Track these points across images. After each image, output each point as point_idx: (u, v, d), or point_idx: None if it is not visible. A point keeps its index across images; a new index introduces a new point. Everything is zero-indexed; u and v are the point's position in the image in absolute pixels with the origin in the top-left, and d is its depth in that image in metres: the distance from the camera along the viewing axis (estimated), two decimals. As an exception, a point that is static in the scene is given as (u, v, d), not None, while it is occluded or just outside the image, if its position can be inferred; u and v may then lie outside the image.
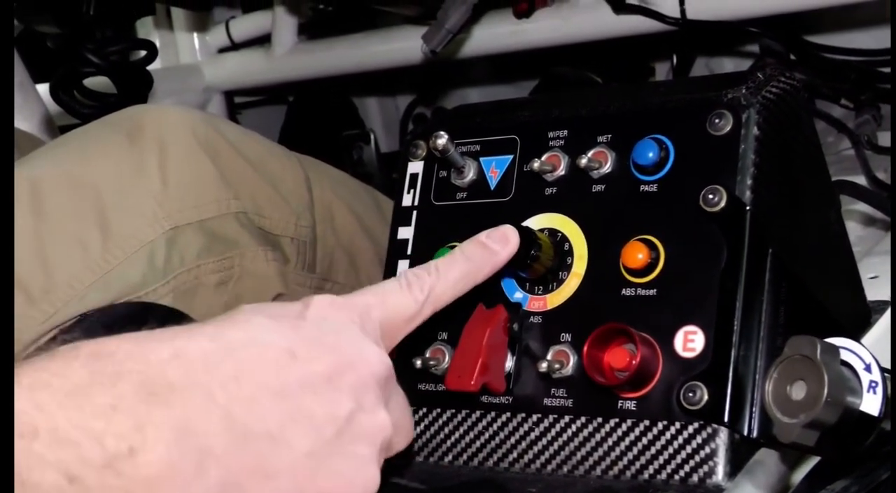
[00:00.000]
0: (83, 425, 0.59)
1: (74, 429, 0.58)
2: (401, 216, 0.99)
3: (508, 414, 0.88)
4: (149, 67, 1.54)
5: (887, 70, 1.56)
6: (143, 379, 0.61)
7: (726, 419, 0.79)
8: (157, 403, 0.61)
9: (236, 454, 0.63)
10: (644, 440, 0.82)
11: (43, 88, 1.59)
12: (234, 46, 1.99)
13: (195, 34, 1.98)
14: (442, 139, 0.92)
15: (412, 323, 0.79)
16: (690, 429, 0.80)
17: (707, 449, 0.80)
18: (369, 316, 0.75)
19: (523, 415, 0.87)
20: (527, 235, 0.87)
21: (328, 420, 0.68)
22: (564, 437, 0.85)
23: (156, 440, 0.60)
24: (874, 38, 1.61)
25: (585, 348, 0.82)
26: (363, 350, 0.72)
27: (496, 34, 1.68)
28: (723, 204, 0.82)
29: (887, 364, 0.81)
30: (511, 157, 0.95)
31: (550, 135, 0.93)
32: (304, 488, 0.67)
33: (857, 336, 0.84)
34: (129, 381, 0.61)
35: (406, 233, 0.98)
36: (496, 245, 0.84)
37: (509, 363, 0.88)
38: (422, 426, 0.92)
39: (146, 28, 1.94)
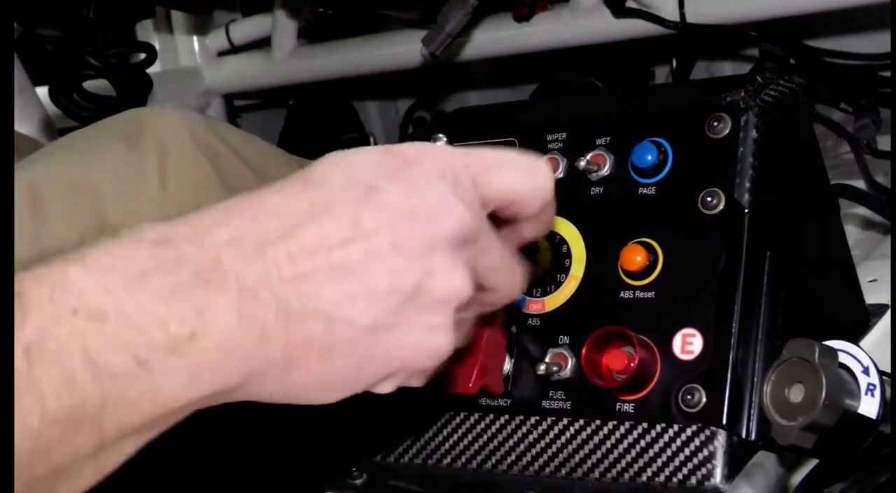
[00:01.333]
0: (148, 309, 0.59)
1: (140, 313, 0.59)
2: (400, 219, 0.99)
3: (507, 417, 0.88)
4: (148, 70, 1.54)
5: (887, 74, 1.56)
6: (200, 265, 0.61)
7: (724, 421, 0.79)
8: (213, 288, 0.61)
9: (291, 335, 0.63)
10: (642, 443, 0.82)
11: (42, 91, 1.59)
12: (234, 49, 1.98)
13: (195, 37, 1.98)
14: (440, 142, 0.92)
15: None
16: (689, 431, 0.80)
17: (705, 452, 0.80)
18: (467, 166, 0.70)
19: (522, 417, 0.87)
20: (525, 238, 0.87)
21: (391, 291, 0.65)
22: (563, 439, 0.85)
23: (214, 325, 0.60)
24: (874, 43, 1.61)
25: (584, 351, 0.82)
26: (440, 208, 0.67)
27: (496, 38, 1.68)
28: (721, 207, 0.82)
29: (886, 367, 0.81)
30: (510, 159, 0.94)
31: (549, 138, 0.93)
32: (365, 360, 0.66)
33: (855, 339, 0.83)
34: (187, 267, 0.61)
35: (405, 236, 0.98)
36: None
37: (507, 366, 0.88)
38: (419, 428, 0.92)
39: (146, 31, 1.94)
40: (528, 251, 0.87)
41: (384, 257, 0.65)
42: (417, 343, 0.67)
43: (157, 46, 1.58)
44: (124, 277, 0.60)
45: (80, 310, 0.58)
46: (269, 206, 0.65)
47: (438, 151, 0.70)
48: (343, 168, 0.67)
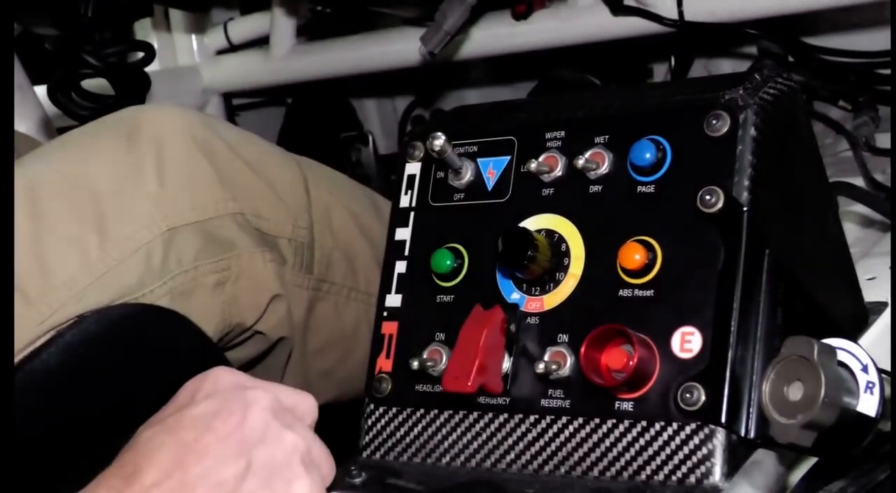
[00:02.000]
0: None
1: None
2: (398, 217, 0.99)
3: (506, 415, 0.88)
4: (147, 69, 1.54)
5: (886, 72, 1.56)
6: None
7: (723, 419, 0.79)
8: None
9: None
10: (641, 441, 0.82)
11: (41, 90, 1.59)
12: (233, 48, 1.98)
13: (193, 36, 1.98)
14: (439, 140, 0.92)
15: None
16: (688, 430, 0.80)
17: (704, 450, 0.80)
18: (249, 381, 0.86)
19: (520, 416, 0.87)
20: (524, 236, 0.87)
21: (240, 475, 0.79)
22: (562, 438, 0.85)
23: None
24: (872, 40, 1.61)
25: (583, 349, 0.82)
26: (244, 393, 0.82)
27: (494, 36, 1.68)
28: (720, 205, 0.82)
29: (885, 365, 0.81)
30: (508, 158, 0.95)
31: (548, 136, 0.93)
32: None
33: (854, 337, 0.83)
34: None
35: (404, 234, 0.98)
36: None
37: (506, 364, 0.88)
38: (419, 427, 0.92)
39: (144, 30, 1.94)
40: (527, 250, 0.87)
41: (216, 454, 0.80)
42: None
43: (155, 45, 1.58)
44: None
45: None
46: (108, 473, 0.80)
47: (208, 373, 0.86)
48: (147, 425, 0.83)
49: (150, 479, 0.77)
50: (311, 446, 0.84)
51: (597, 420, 0.84)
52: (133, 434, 0.81)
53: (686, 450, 0.80)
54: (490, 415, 0.89)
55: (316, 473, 0.84)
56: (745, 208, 0.83)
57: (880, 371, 0.78)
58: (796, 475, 0.82)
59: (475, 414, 0.89)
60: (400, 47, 1.76)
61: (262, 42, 1.94)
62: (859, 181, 1.35)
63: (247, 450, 0.80)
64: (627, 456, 0.82)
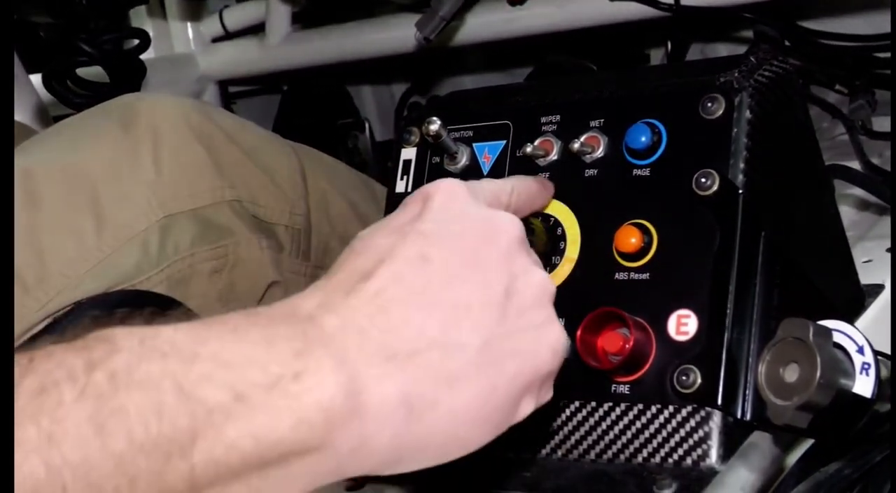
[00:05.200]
0: (244, 352, 0.59)
1: (236, 356, 0.58)
2: (394, 203, 0.99)
3: (503, 399, 0.88)
4: (142, 57, 1.54)
5: (882, 55, 1.56)
6: (295, 323, 0.61)
7: (720, 401, 0.79)
8: (313, 340, 0.61)
9: (410, 373, 0.62)
10: (638, 424, 0.82)
11: (36, 78, 1.59)
12: (228, 35, 1.98)
13: (189, 23, 1.98)
14: (434, 125, 0.92)
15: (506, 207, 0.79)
16: (684, 412, 0.81)
17: (701, 432, 0.80)
18: (481, 189, 0.74)
19: (517, 400, 0.87)
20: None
21: (488, 305, 0.66)
22: (558, 421, 0.85)
23: (319, 367, 0.59)
24: (869, 24, 1.61)
25: (579, 333, 0.82)
26: (491, 220, 0.70)
27: (490, 22, 1.68)
28: (715, 188, 0.82)
29: (880, 347, 0.81)
30: (504, 142, 0.94)
31: (543, 120, 0.93)
32: (496, 377, 0.65)
33: (850, 319, 0.83)
34: (283, 324, 0.61)
35: (400, 219, 0.98)
36: (541, 179, 0.88)
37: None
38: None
39: (139, 17, 1.94)
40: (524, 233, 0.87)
41: (465, 278, 0.66)
42: (535, 343, 0.68)
43: (150, 33, 1.58)
44: (218, 330, 0.60)
45: (170, 353, 0.57)
46: (339, 276, 0.66)
47: (440, 183, 0.72)
48: (381, 231, 0.69)
49: (393, 291, 0.64)
50: (554, 289, 0.72)
51: (593, 403, 0.84)
52: None
53: (682, 432, 0.80)
54: (487, 399, 0.89)
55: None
56: (740, 191, 0.83)
57: (876, 353, 0.78)
58: (793, 457, 0.82)
59: (472, 398, 0.89)
60: (396, 34, 1.75)
61: (257, 29, 1.94)
62: (856, 165, 1.35)
63: (495, 281, 0.67)
64: (624, 439, 0.82)
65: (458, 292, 0.66)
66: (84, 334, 0.58)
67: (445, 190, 0.71)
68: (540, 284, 0.70)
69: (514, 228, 0.71)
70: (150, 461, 0.55)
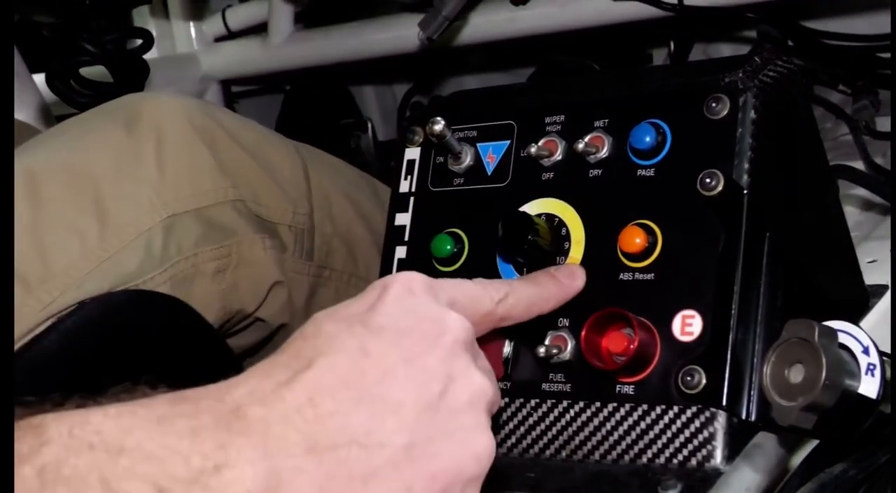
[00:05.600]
0: (168, 445, 0.59)
1: (160, 448, 0.59)
2: (398, 202, 0.99)
3: (506, 399, 0.88)
4: (145, 57, 1.54)
5: (885, 56, 1.55)
6: (220, 413, 0.61)
7: (724, 402, 0.79)
8: (236, 431, 0.61)
9: (326, 468, 0.62)
10: (642, 425, 0.82)
11: (39, 78, 1.59)
12: (231, 35, 1.98)
13: (191, 23, 1.98)
14: (438, 125, 0.92)
15: (487, 319, 0.77)
16: (689, 413, 0.80)
17: (705, 433, 0.80)
18: (442, 289, 0.73)
19: (521, 400, 0.87)
20: (524, 221, 0.87)
21: (418, 405, 0.66)
22: (562, 422, 0.85)
23: (239, 459, 0.60)
24: (872, 24, 1.61)
25: (583, 333, 0.82)
26: (441, 319, 0.70)
27: (493, 21, 1.67)
28: (720, 188, 0.82)
29: (885, 348, 0.80)
30: (508, 142, 0.94)
31: (547, 120, 0.93)
32: (413, 478, 0.65)
33: (855, 320, 0.83)
34: (208, 414, 0.61)
35: (403, 219, 0.98)
36: (565, 279, 0.84)
37: (507, 348, 0.88)
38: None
39: (142, 17, 1.94)
40: (528, 234, 0.87)
41: (401, 375, 0.66)
42: (460, 447, 0.67)
43: (153, 32, 1.58)
44: (143, 420, 0.60)
45: (97, 445, 0.58)
46: (278, 361, 0.66)
47: (401, 276, 0.72)
48: (332, 318, 0.69)
49: (326, 382, 0.65)
50: (496, 398, 0.72)
51: (598, 404, 0.84)
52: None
53: (687, 433, 0.80)
54: (491, 399, 0.89)
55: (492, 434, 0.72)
56: (745, 191, 0.83)
57: (881, 353, 0.78)
58: (798, 458, 0.82)
59: (476, 399, 0.89)
60: (398, 33, 1.75)
61: (260, 29, 1.93)
62: (859, 165, 1.34)
63: (432, 380, 0.67)
64: (629, 440, 0.82)
65: (391, 389, 0.66)
66: (17, 419, 0.59)
67: (402, 284, 0.71)
68: (477, 389, 0.69)
69: (460, 330, 0.70)
70: None
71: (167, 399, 0.62)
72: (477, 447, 0.68)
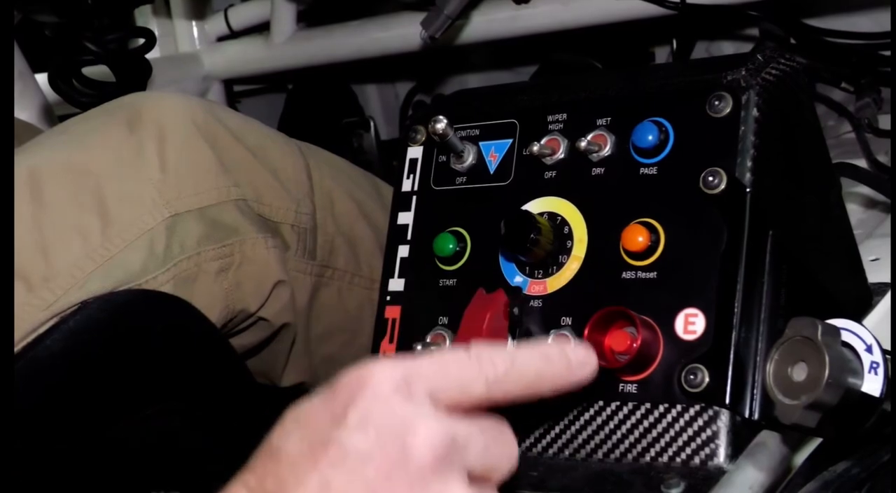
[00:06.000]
0: None
1: None
2: (400, 201, 0.99)
3: (509, 398, 0.87)
4: (147, 56, 1.54)
5: (888, 53, 1.55)
6: None
7: (728, 401, 0.79)
8: None
9: None
10: (645, 423, 0.82)
11: (41, 77, 1.59)
12: (233, 34, 1.98)
13: (194, 22, 1.98)
14: (441, 124, 0.92)
15: (477, 405, 0.68)
16: (692, 411, 0.80)
17: (709, 431, 0.80)
18: (420, 379, 0.66)
19: (524, 399, 0.87)
20: (526, 219, 0.87)
21: None
22: (565, 420, 0.85)
23: None
24: (874, 22, 1.61)
25: (586, 332, 0.82)
26: (411, 434, 0.63)
27: (495, 20, 1.67)
28: (723, 186, 0.82)
29: (888, 346, 0.80)
30: (510, 141, 0.94)
31: (549, 118, 0.93)
32: None
33: (858, 318, 0.83)
34: None
35: (406, 218, 0.98)
36: (577, 366, 0.72)
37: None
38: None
39: (144, 16, 1.94)
40: (530, 232, 0.87)
41: None
42: None
43: (155, 32, 1.58)
44: None
45: None
46: (249, 481, 0.65)
47: (372, 373, 0.66)
48: (299, 425, 0.66)
49: None
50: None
51: (600, 403, 0.84)
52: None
53: (690, 432, 0.80)
54: (494, 398, 0.88)
55: None
56: (747, 189, 0.83)
57: (884, 351, 0.78)
58: (801, 456, 0.82)
59: (479, 398, 0.89)
60: (401, 32, 1.75)
61: (262, 28, 1.93)
62: (862, 163, 1.34)
63: None
64: (632, 438, 0.82)
65: None
66: None
67: (373, 387, 0.65)
68: None
69: (433, 444, 0.63)
70: None
71: None
72: None
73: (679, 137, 0.86)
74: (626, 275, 0.85)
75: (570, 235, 0.89)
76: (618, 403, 0.83)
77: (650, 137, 0.86)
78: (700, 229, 0.83)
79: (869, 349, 0.77)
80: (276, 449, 0.66)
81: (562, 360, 0.72)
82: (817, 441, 0.83)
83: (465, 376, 0.67)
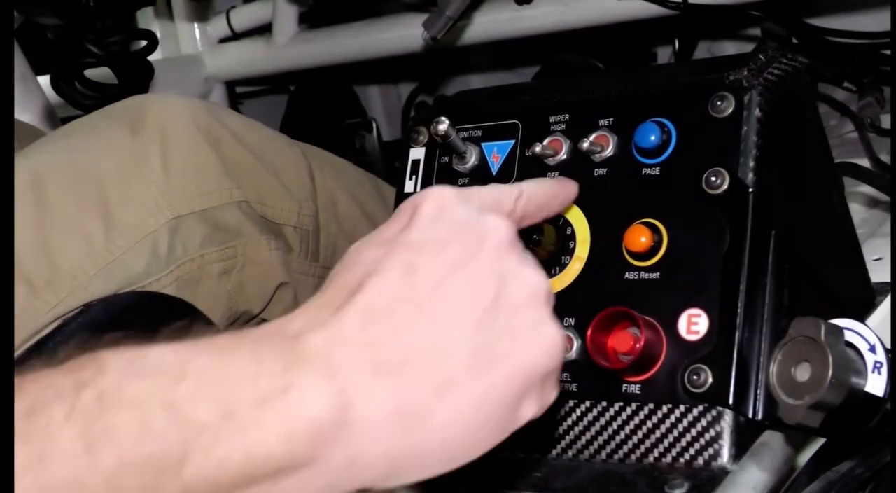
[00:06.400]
0: (233, 369, 0.58)
1: (224, 372, 0.58)
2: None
3: (513, 399, 0.87)
4: (150, 58, 1.54)
5: (890, 52, 1.55)
6: (283, 342, 0.61)
7: (731, 401, 0.79)
8: (301, 357, 0.60)
9: (397, 385, 0.61)
10: (649, 424, 0.82)
11: (44, 80, 1.59)
12: (235, 36, 1.98)
13: (196, 24, 1.98)
14: (443, 125, 0.92)
15: (510, 219, 0.73)
16: (695, 412, 0.80)
17: (712, 432, 0.80)
18: (474, 194, 0.72)
19: (528, 400, 0.87)
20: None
21: (476, 309, 0.64)
22: (569, 421, 0.85)
23: (306, 381, 0.59)
24: (876, 21, 1.61)
25: (589, 332, 0.82)
26: (481, 222, 0.68)
27: (497, 21, 1.68)
28: (725, 186, 0.82)
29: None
30: (513, 142, 0.94)
31: (552, 119, 0.93)
32: (489, 382, 0.64)
33: (861, 318, 0.83)
34: (271, 343, 0.61)
35: (408, 219, 0.98)
36: (560, 181, 0.81)
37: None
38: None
39: (146, 18, 1.94)
40: (533, 233, 0.87)
41: (453, 284, 0.65)
42: (528, 344, 0.66)
43: (157, 34, 1.58)
44: (205, 349, 0.60)
45: (158, 373, 0.57)
46: (327, 293, 0.65)
47: (429, 191, 0.70)
48: (369, 244, 0.68)
49: (379, 302, 0.63)
50: (551, 290, 0.70)
51: (604, 403, 0.84)
52: None
53: (694, 432, 0.80)
54: (497, 399, 0.88)
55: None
56: (750, 189, 0.83)
57: (888, 351, 0.77)
58: (804, 456, 0.82)
59: (482, 398, 0.89)
60: (403, 33, 1.75)
61: (264, 29, 1.94)
62: (865, 162, 1.34)
63: (485, 283, 0.66)
64: (635, 439, 0.82)
65: (446, 299, 0.64)
66: (73, 356, 0.58)
67: (433, 197, 0.69)
68: (532, 284, 0.67)
69: (501, 230, 0.68)
70: (142, 478, 0.55)
71: (226, 334, 0.61)
72: (545, 341, 0.66)
73: (681, 138, 0.86)
74: (629, 275, 0.85)
75: (572, 236, 0.89)
76: (621, 403, 0.83)
77: (652, 138, 0.86)
78: (703, 230, 0.83)
79: (872, 349, 0.77)
80: (350, 263, 0.67)
81: (551, 180, 0.81)
82: (821, 441, 0.83)
83: (496, 196, 0.74)
